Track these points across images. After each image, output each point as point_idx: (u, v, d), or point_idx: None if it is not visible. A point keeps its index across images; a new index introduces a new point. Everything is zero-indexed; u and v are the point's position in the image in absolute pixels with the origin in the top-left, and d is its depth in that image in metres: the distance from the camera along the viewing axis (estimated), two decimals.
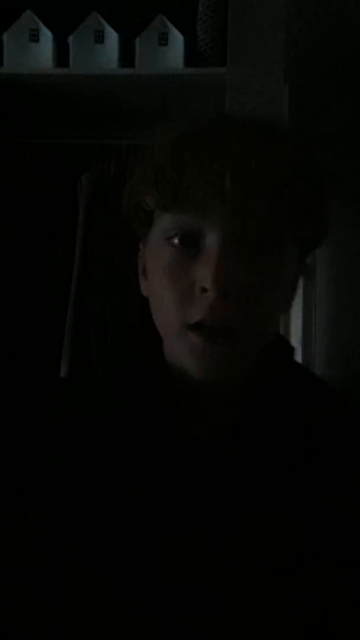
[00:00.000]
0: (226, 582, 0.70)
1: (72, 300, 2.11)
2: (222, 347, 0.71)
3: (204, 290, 0.70)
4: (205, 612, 0.70)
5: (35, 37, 2.12)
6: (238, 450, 0.75)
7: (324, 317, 1.19)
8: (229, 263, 0.70)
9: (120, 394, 0.78)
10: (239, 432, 0.76)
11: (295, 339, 2.41)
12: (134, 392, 0.77)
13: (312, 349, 2.55)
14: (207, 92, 2.07)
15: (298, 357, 1.99)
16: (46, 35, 2.12)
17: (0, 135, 2.19)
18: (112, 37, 2.11)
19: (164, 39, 2.10)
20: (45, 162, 2.22)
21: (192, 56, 2.11)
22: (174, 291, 0.72)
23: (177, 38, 2.10)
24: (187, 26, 2.11)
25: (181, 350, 0.73)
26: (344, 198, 5.51)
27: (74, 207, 2.16)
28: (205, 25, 2.09)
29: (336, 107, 3.67)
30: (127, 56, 2.13)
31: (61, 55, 2.14)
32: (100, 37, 2.11)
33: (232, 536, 0.70)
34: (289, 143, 0.76)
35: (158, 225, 0.75)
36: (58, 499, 0.75)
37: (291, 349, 0.86)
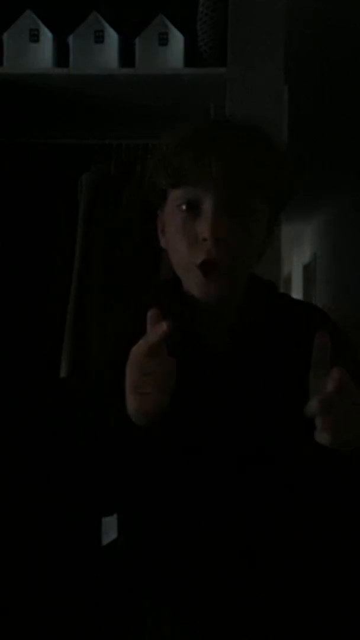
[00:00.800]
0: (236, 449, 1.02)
1: (72, 299, 2.12)
2: (215, 279, 1.05)
3: (204, 239, 1.04)
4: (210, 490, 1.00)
5: (35, 37, 2.12)
6: (234, 347, 1.11)
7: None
8: (219, 220, 1.04)
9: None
10: (235, 335, 1.12)
11: None
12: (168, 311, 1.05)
13: None
14: (207, 92, 2.07)
15: None
16: (46, 35, 2.13)
17: (0, 135, 2.19)
18: (112, 37, 2.11)
19: (164, 39, 2.10)
20: (45, 162, 2.22)
21: (192, 56, 2.11)
22: (184, 241, 1.06)
23: (177, 38, 2.10)
24: (187, 26, 2.11)
25: (191, 282, 1.08)
26: (344, 198, 5.53)
27: (74, 207, 2.16)
28: (205, 25, 2.09)
29: (336, 107, 3.67)
30: (127, 56, 2.13)
31: (61, 55, 2.14)
32: (100, 37, 2.12)
33: (231, 404, 1.03)
34: (262, 139, 1.09)
35: (170, 198, 1.09)
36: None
37: (274, 285, 1.21)
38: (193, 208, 1.06)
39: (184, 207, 1.06)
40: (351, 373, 0.95)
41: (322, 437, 0.93)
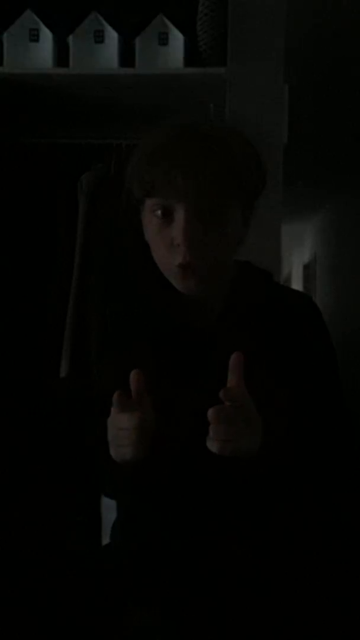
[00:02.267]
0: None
1: (72, 299, 2.12)
2: (193, 277, 1.13)
3: (178, 245, 1.11)
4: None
5: (35, 37, 2.12)
6: (219, 331, 1.19)
7: (324, 315, 1.23)
8: (191, 227, 1.10)
9: (154, 303, 1.23)
10: (220, 320, 1.19)
11: None
12: (160, 301, 1.21)
13: None
14: (207, 92, 2.07)
15: None
16: (46, 35, 2.13)
17: (0, 135, 2.19)
18: (112, 37, 2.11)
19: (164, 39, 2.10)
20: (45, 162, 2.22)
21: (192, 56, 2.11)
22: (161, 245, 1.14)
23: (177, 38, 2.10)
24: (187, 26, 2.11)
25: (172, 279, 1.16)
26: (344, 198, 5.52)
27: (74, 207, 2.16)
28: (205, 25, 2.09)
29: (336, 107, 3.67)
30: (127, 56, 2.13)
31: (61, 55, 2.15)
32: (100, 37, 2.12)
33: (214, 385, 1.05)
34: (230, 142, 1.13)
35: (146, 204, 1.15)
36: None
37: (269, 274, 1.27)
38: (167, 215, 1.12)
39: (158, 213, 1.12)
40: (318, 370, 1.18)
41: (212, 445, 1.01)
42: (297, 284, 7.94)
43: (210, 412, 1.00)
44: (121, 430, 1.04)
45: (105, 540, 1.32)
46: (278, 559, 1.13)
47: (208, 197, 1.10)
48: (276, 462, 1.10)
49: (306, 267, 7.42)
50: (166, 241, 1.13)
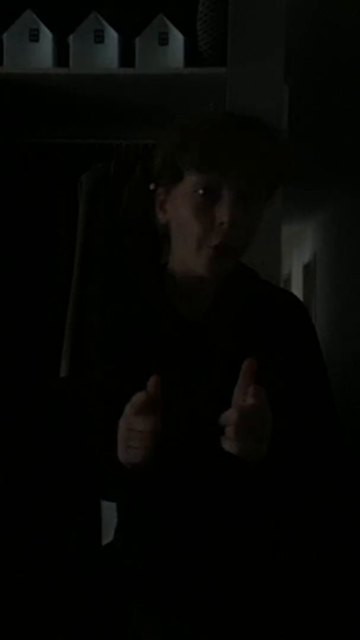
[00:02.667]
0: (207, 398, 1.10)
1: (72, 299, 2.12)
2: (223, 259, 1.17)
3: (222, 223, 1.14)
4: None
5: (35, 37, 2.12)
6: (209, 321, 1.22)
7: (324, 314, 1.23)
8: (237, 207, 1.14)
9: (147, 293, 1.28)
10: (210, 310, 1.22)
11: None
12: (151, 291, 1.27)
13: None
14: (207, 92, 2.07)
15: None
16: (46, 35, 2.13)
17: (0, 135, 2.19)
18: (112, 37, 2.11)
19: (164, 39, 2.10)
20: (45, 162, 2.22)
21: (192, 56, 2.11)
22: (199, 223, 1.15)
23: (177, 38, 2.10)
24: (187, 26, 2.11)
25: (199, 258, 1.17)
26: (344, 198, 5.52)
27: (74, 207, 2.16)
28: (205, 25, 2.09)
29: (336, 107, 3.67)
30: (127, 56, 2.13)
31: (61, 55, 2.14)
32: (100, 37, 2.12)
33: (205, 366, 1.13)
34: (271, 132, 1.19)
35: (187, 181, 1.17)
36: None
37: (255, 272, 1.31)
38: (210, 193, 1.14)
39: (201, 191, 1.14)
40: (305, 370, 1.21)
41: (229, 445, 1.01)
42: (297, 284, 7.94)
43: (232, 412, 1.00)
44: (134, 432, 1.03)
45: (105, 540, 1.32)
46: (278, 560, 1.13)
47: (258, 180, 1.15)
48: (277, 463, 1.10)
49: (306, 267, 7.41)
50: (205, 220, 1.15)
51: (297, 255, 8.16)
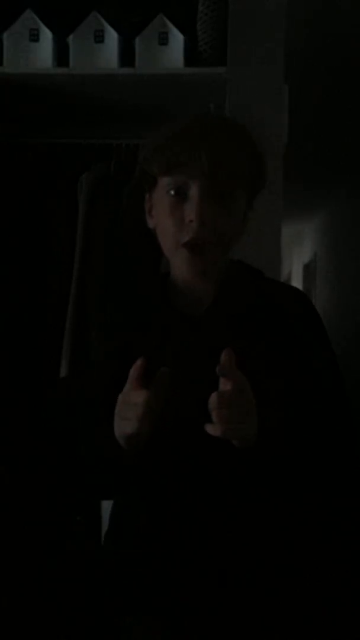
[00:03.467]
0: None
1: (72, 299, 2.12)
2: (199, 256, 1.18)
3: (190, 221, 1.16)
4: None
5: (35, 37, 2.12)
6: (210, 317, 1.24)
7: (324, 314, 1.24)
8: (205, 204, 1.16)
9: (147, 292, 1.32)
10: (211, 308, 1.24)
11: None
12: (151, 289, 1.30)
13: None
14: (207, 92, 2.07)
15: None
16: (46, 35, 2.13)
17: (0, 135, 2.19)
18: (112, 37, 2.11)
19: (164, 39, 2.10)
20: (45, 162, 2.22)
21: (192, 56, 2.11)
22: (172, 223, 1.18)
23: (177, 38, 2.10)
24: (187, 26, 2.11)
25: (177, 259, 1.21)
26: (344, 198, 5.52)
27: (74, 207, 2.16)
28: (205, 25, 2.09)
29: (336, 107, 3.67)
30: (127, 56, 2.13)
31: (61, 55, 2.14)
32: (100, 37, 2.11)
33: (206, 362, 1.10)
34: (243, 135, 1.22)
35: (160, 184, 1.21)
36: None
37: (260, 272, 1.32)
38: (181, 193, 1.18)
39: (172, 192, 1.18)
40: (316, 360, 1.22)
41: (214, 429, 1.04)
42: (297, 284, 7.94)
43: (213, 397, 1.03)
44: (128, 404, 1.08)
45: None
46: (277, 555, 1.13)
47: (224, 178, 1.16)
48: (272, 452, 1.12)
49: (306, 267, 7.42)
50: (178, 219, 1.18)
51: (297, 255, 8.16)
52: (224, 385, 1.05)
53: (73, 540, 1.55)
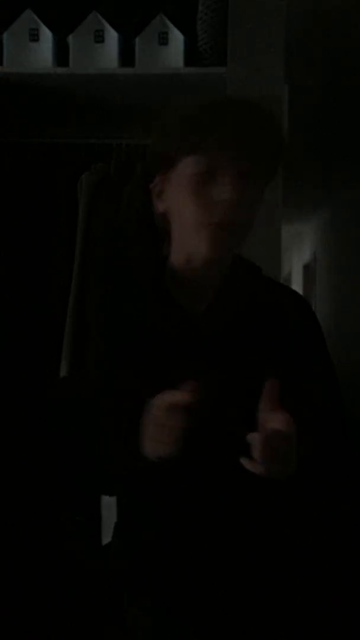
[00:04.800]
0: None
1: (72, 299, 2.12)
2: (223, 238, 1.15)
3: (224, 201, 1.13)
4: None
5: (35, 36, 2.12)
6: (212, 313, 1.22)
7: (324, 314, 1.23)
8: (238, 185, 1.13)
9: (148, 289, 1.27)
10: (213, 303, 1.22)
11: None
12: (152, 287, 1.26)
13: None
14: (207, 92, 2.07)
15: None
16: (46, 35, 2.13)
17: (0, 135, 2.19)
18: (112, 36, 2.11)
19: (164, 39, 2.10)
20: (45, 162, 2.22)
21: (192, 56, 2.11)
22: (197, 204, 1.14)
23: (177, 38, 2.10)
24: (187, 26, 2.11)
25: (196, 240, 1.16)
26: (344, 198, 5.51)
27: (74, 207, 2.16)
28: (205, 25, 2.09)
29: (336, 107, 3.67)
30: (127, 56, 2.13)
31: (61, 55, 2.15)
32: (100, 37, 2.12)
33: (208, 358, 1.14)
34: (268, 114, 1.19)
35: (182, 164, 1.16)
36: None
37: (258, 267, 1.31)
38: (207, 175, 1.14)
39: (199, 171, 1.14)
40: (314, 366, 1.22)
41: (253, 466, 1.02)
42: (297, 284, 7.94)
43: (258, 437, 1.01)
44: (165, 427, 1.05)
45: (105, 540, 1.32)
46: (279, 560, 1.13)
47: (253, 158, 1.14)
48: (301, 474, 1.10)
49: (306, 267, 7.41)
50: (205, 199, 1.14)
51: (297, 255, 8.16)
52: (266, 421, 1.02)
53: (73, 541, 1.55)
